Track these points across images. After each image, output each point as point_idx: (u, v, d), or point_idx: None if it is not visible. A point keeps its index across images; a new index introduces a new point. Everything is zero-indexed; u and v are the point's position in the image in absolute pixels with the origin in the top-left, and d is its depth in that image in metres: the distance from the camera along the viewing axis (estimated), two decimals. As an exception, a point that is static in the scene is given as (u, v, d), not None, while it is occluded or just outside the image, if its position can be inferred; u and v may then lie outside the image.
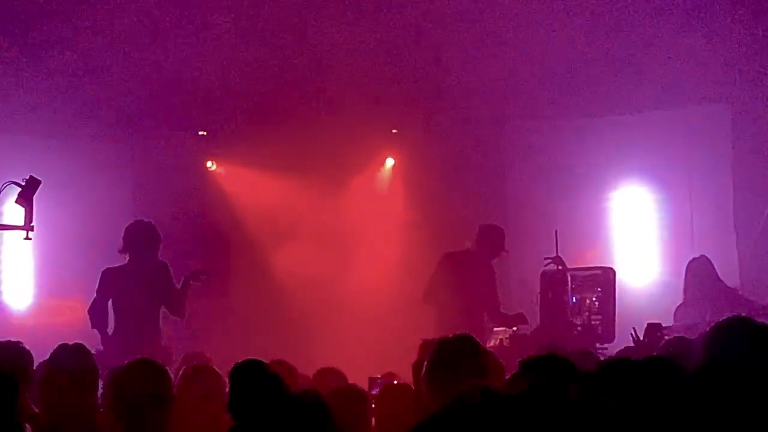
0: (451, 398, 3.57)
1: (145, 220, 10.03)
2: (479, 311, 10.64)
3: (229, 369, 5.16)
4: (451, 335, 6.13)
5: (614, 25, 11.11)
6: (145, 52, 11.55)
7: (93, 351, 9.11)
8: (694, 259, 11.02)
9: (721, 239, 12.02)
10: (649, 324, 8.19)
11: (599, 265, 10.89)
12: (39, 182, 9.17)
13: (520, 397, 1.93)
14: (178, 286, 9.81)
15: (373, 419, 6.19)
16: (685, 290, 10.78)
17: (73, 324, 10.72)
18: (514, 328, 10.51)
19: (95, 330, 9.61)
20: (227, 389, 5.29)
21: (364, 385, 7.32)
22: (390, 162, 13.96)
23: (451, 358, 5.10)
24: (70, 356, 5.95)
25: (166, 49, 11.58)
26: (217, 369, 6.21)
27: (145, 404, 5.24)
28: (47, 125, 12.09)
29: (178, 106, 12.32)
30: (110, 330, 9.67)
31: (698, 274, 10.83)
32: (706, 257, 11.08)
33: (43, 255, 12.59)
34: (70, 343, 6.07)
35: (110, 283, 9.69)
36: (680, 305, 10.83)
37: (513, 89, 12.24)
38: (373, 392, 6.69)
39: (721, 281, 10.80)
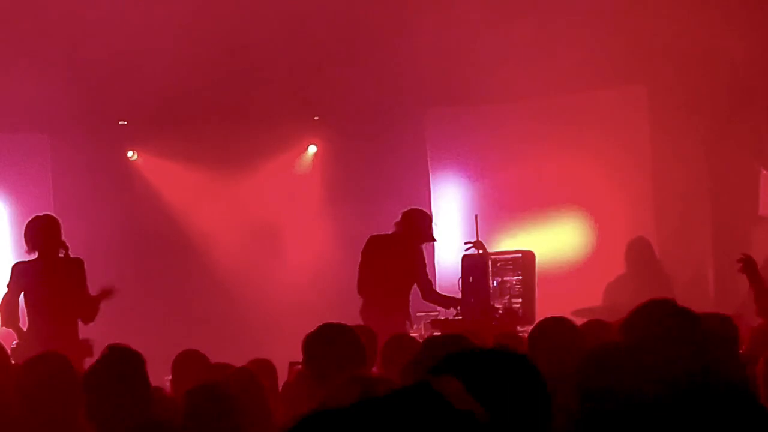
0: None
1: (41, 214, 9.86)
2: (402, 295, 10.45)
3: (153, 359, 5.17)
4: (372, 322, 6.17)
5: (527, 9, 11.21)
6: (63, 41, 11.45)
7: (13, 345, 9.15)
8: (633, 239, 11.24)
9: (639, 221, 12.18)
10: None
11: (520, 249, 10.99)
12: None
13: (396, 396, 1.94)
14: (94, 294, 9.65)
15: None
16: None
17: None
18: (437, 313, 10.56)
19: (5, 327, 9.46)
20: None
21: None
22: (312, 149, 13.98)
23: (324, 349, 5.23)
24: None
25: (84, 38, 11.49)
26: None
27: (51, 399, 5.15)
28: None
29: (97, 95, 12.22)
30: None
31: (632, 254, 11.11)
32: (644, 238, 11.27)
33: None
34: None
35: (21, 277, 9.47)
36: (611, 283, 11.02)
37: (432, 76, 12.29)
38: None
39: (656, 264, 11.04)
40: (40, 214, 9.82)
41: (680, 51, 11.30)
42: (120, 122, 13.32)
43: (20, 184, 12.74)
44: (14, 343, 9.23)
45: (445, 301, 10.51)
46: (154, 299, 12.82)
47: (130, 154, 13.61)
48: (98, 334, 9.60)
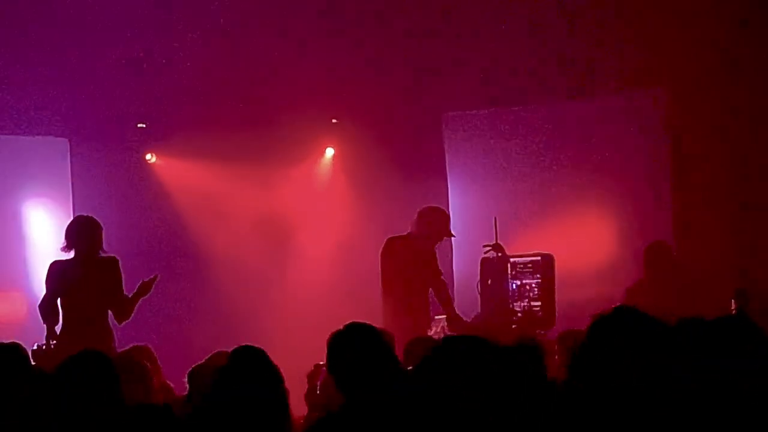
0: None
1: (84, 215, 9.96)
2: (421, 296, 10.44)
3: (174, 359, 5.17)
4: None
5: (546, 13, 11.20)
6: (82, 45, 11.49)
7: (34, 347, 9.19)
8: (652, 243, 11.19)
9: (659, 224, 12.15)
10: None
11: (539, 252, 10.98)
12: None
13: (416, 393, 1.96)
14: (129, 295, 9.71)
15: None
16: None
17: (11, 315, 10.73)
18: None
19: (44, 324, 9.51)
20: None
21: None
22: (330, 152, 13.98)
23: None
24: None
25: (104, 42, 11.52)
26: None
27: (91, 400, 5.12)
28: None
29: (116, 98, 12.26)
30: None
31: (651, 258, 11.07)
32: (664, 242, 11.23)
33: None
34: (5, 342, 5.99)
35: (57, 276, 9.56)
36: (630, 287, 10.99)
37: (450, 78, 12.29)
38: (319, 382, 6.72)
39: (675, 268, 11.01)
40: (82, 215, 9.93)
41: (701, 53, 11.26)
42: (139, 125, 13.34)
43: (41, 186, 12.77)
44: (35, 345, 9.27)
45: (447, 310, 10.42)
46: (172, 301, 12.84)
47: (149, 156, 13.63)
48: (119, 335, 9.66)
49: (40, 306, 9.53)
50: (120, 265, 9.69)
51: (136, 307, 9.66)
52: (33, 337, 9.48)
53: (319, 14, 11.71)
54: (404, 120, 13.22)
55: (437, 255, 10.86)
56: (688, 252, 11.82)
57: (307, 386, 6.86)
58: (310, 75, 12.23)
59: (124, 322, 9.69)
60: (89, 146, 13.03)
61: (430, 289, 10.55)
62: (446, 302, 10.50)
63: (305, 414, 6.46)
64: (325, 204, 13.70)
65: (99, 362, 5.27)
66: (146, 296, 9.67)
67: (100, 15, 11.20)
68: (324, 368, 6.49)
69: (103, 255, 9.63)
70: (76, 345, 8.16)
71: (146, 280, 9.70)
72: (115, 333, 9.69)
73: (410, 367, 6.22)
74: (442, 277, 10.73)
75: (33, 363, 8.32)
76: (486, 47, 11.64)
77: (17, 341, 6.11)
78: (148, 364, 6.80)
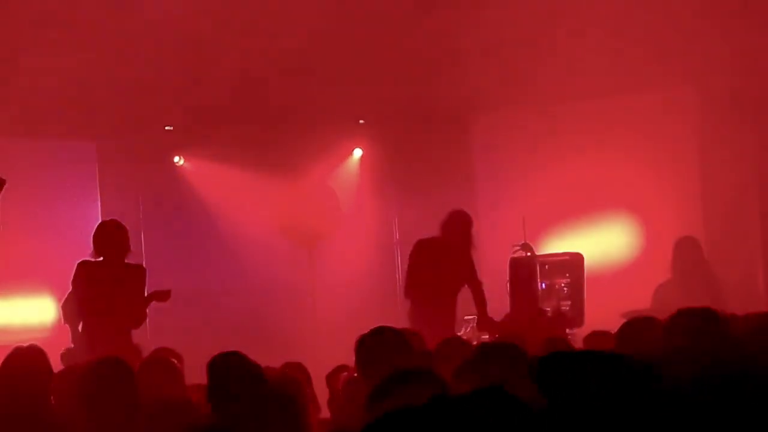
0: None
1: (109, 219, 9.99)
2: (450, 297, 10.39)
3: (201, 363, 5.17)
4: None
5: (574, 9, 11.15)
6: (108, 48, 11.52)
7: (63, 349, 9.23)
8: (681, 238, 11.12)
9: (688, 222, 12.08)
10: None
11: (568, 251, 10.93)
12: (3, 182, 9.08)
13: (468, 398, 1.92)
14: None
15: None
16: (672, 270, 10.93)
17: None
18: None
19: (65, 324, 9.54)
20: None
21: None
22: (358, 153, 13.98)
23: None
24: (24, 359, 5.90)
25: (129, 44, 11.55)
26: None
27: (112, 406, 5.12)
28: (9, 123, 12.03)
29: (143, 102, 12.28)
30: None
31: (682, 255, 10.98)
32: (694, 239, 11.16)
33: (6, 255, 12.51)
34: (24, 345, 6.01)
35: (84, 277, 9.59)
36: (661, 285, 10.91)
37: (478, 78, 12.25)
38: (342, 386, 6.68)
39: (705, 265, 10.92)
40: (107, 220, 9.94)
41: (730, 53, 11.20)
42: (166, 128, 13.36)
43: (68, 191, 12.82)
44: (65, 348, 9.30)
45: (480, 311, 10.37)
46: (198, 303, 12.87)
47: (176, 159, 13.66)
48: (141, 337, 9.67)
49: (63, 305, 9.56)
50: (145, 274, 9.70)
51: (147, 313, 9.68)
52: (63, 340, 9.53)
53: (345, 15, 11.69)
54: (431, 119, 13.19)
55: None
56: (717, 249, 11.76)
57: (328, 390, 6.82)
58: (337, 75, 12.22)
59: (136, 328, 9.69)
60: (117, 150, 13.07)
61: (460, 289, 10.51)
62: (480, 303, 10.45)
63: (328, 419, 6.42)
64: (352, 204, 13.69)
65: (117, 368, 5.29)
66: (161, 301, 9.68)
67: (126, 18, 11.22)
68: (345, 371, 6.46)
69: (131, 263, 9.65)
70: (96, 345, 8.22)
71: (160, 292, 9.70)
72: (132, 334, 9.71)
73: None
74: (478, 277, 10.65)
75: (62, 365, 8.42)
76: (513, 46, 11.60)
77: (36, 344, 6.13)
78: (178, 363, 6.84)
